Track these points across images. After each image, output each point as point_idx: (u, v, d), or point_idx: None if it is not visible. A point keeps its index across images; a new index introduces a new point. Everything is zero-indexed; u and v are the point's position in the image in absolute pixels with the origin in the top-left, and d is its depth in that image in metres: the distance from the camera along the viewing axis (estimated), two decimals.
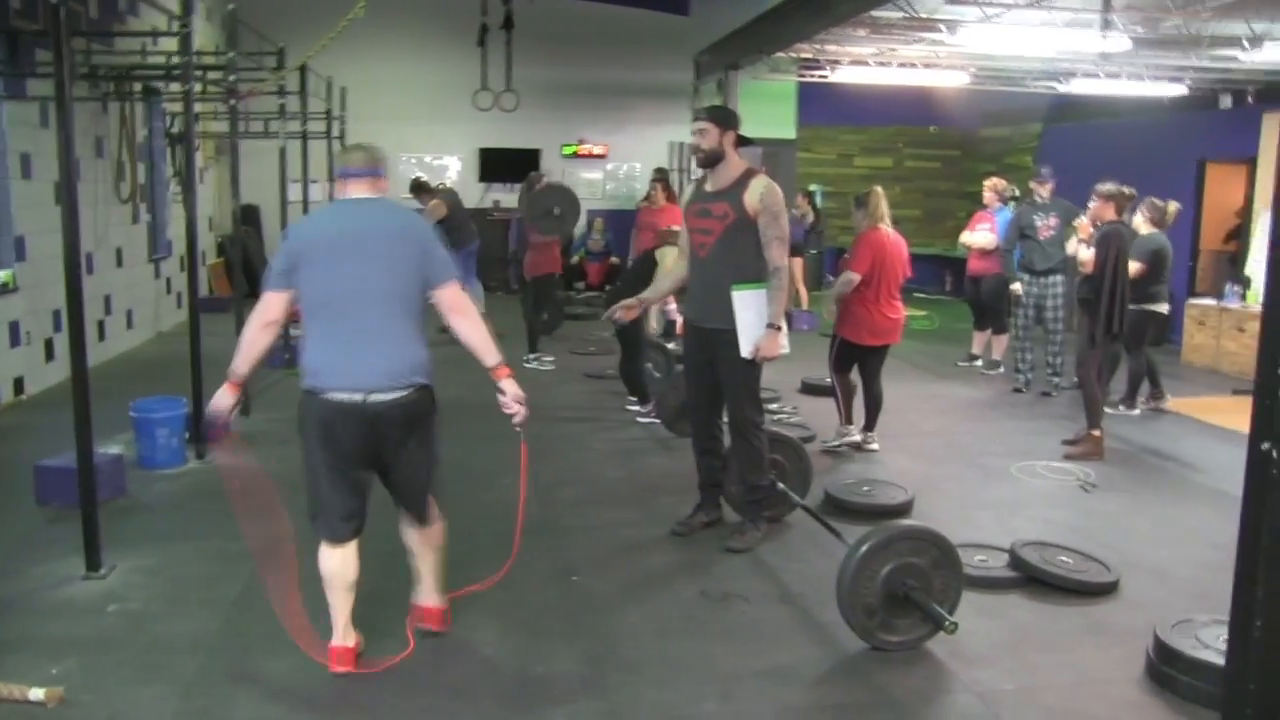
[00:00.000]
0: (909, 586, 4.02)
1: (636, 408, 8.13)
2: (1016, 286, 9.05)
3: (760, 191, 5.00)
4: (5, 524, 5.39)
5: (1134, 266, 7.46)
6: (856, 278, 6.76)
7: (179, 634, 4.14)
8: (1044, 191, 9.10)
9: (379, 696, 3.68)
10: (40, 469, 5.70)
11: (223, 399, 3.82)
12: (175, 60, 7.16)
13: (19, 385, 8.22)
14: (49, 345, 8.64)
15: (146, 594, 4.54)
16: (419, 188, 11.98)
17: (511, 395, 3.89)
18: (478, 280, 11.78)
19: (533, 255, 10.12)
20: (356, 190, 3.81)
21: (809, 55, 12.10)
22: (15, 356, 8.20)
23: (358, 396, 3.63)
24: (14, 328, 8.18)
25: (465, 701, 3.66)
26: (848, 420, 7.10)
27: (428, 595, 4.08)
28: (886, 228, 6.88)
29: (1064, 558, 4.89)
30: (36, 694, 3.55)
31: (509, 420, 3.94)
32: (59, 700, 3.56)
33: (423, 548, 4.01)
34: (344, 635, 3.88)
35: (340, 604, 3.85)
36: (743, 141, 5.19)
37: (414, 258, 3.73)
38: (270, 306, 3.75)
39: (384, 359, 3.67)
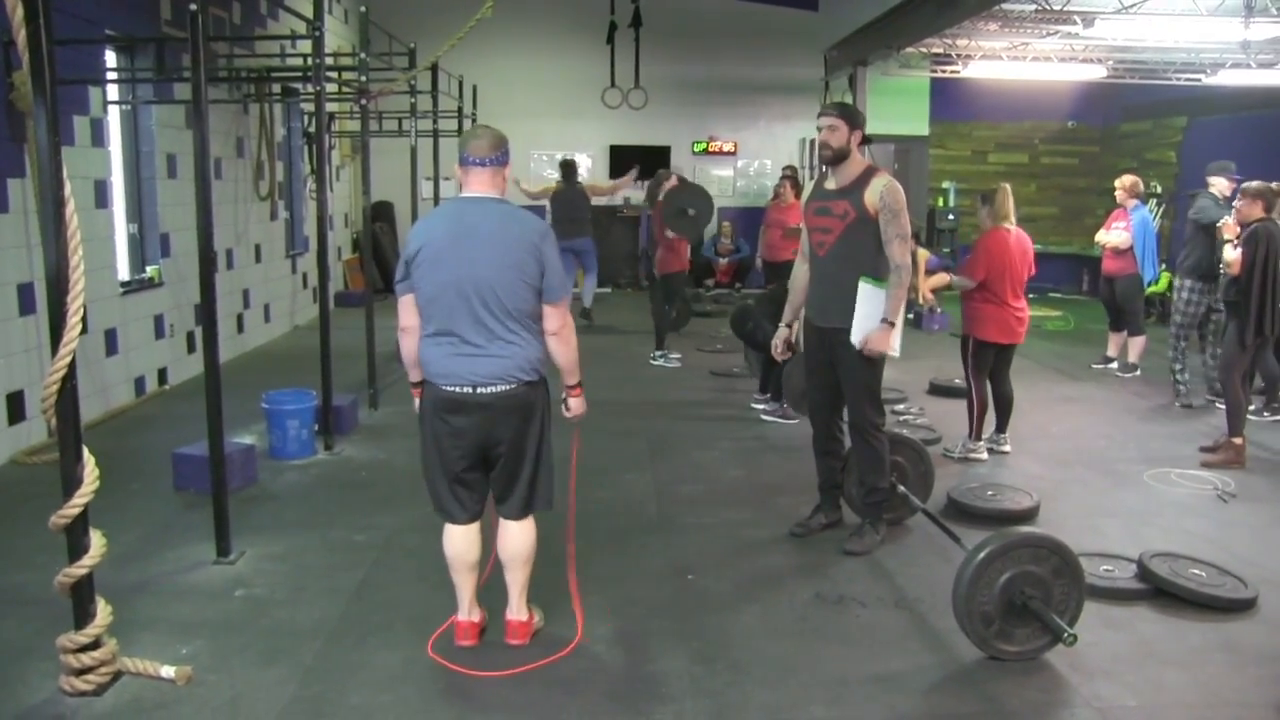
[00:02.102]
0: (1027, 595, 3.90)
1: (762, 405, 8.07)
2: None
3: (880, 190, 4.91)
4: (145, 509, 5.62)
5: None
6: (971, 284, 6.67)
7: (300, 620, 4.27)
8: (1228, 191, 8.36)
9: (489, 688, 3.74)
10: (177, 456, 5.95)
11: (416, 404, 4.05)
12: (310, 62, 7.37)
13: (163, 375, 8.58)
14: (190, 338, 9.00)
15: (271, 580, 4.68)
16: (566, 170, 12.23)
17: (574, 410, 4.14)
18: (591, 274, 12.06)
19: (663, 252, 10.16)
20: (477, 184, 3.82)
21: (940, 50, 11.90)
22: (160, 348, 8.57)
23: (466, 389, 3.76)
24: (159, 320, 8.55)
25: (574, 696, 3.69)
26: (978, 435, 6.90)
27: (514, 610, 4.10)
28: (1010, 226, 6.70)
29: (1196, 570, 4.68)
30: (167, 672, 3.69)
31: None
32: (187, 679, 3.69)
33: (513, 561, 4.03)
34: (469, 611, 4.06)
35: (464, 583, 4.03)
36: (865, 140, 5.10)
37: (527, 265, 3.75)
38: (402, 312, 3.92)
39: (492, 357, 3.76)
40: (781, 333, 5.52)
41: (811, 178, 15.21)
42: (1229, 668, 4.00)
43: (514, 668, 3.87)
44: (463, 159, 3.83)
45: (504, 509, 4.00)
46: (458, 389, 3.76)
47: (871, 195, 4.90)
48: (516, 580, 4.06)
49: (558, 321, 3.87)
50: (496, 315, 3.74)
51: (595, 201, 12.38)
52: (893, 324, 4.90)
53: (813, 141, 15.83)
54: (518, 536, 4.01)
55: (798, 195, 11.45)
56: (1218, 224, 7.87)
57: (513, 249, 3.74)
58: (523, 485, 3.95)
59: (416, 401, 4.03)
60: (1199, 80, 12.38)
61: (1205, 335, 8.45)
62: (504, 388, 3.77)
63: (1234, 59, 11.32)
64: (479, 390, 3.75)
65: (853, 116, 5.03)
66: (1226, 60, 11.52)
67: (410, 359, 3.96)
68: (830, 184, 5.08)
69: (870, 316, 4.92)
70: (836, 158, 5.00)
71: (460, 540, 3.99)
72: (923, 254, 12.67)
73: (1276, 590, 4.68)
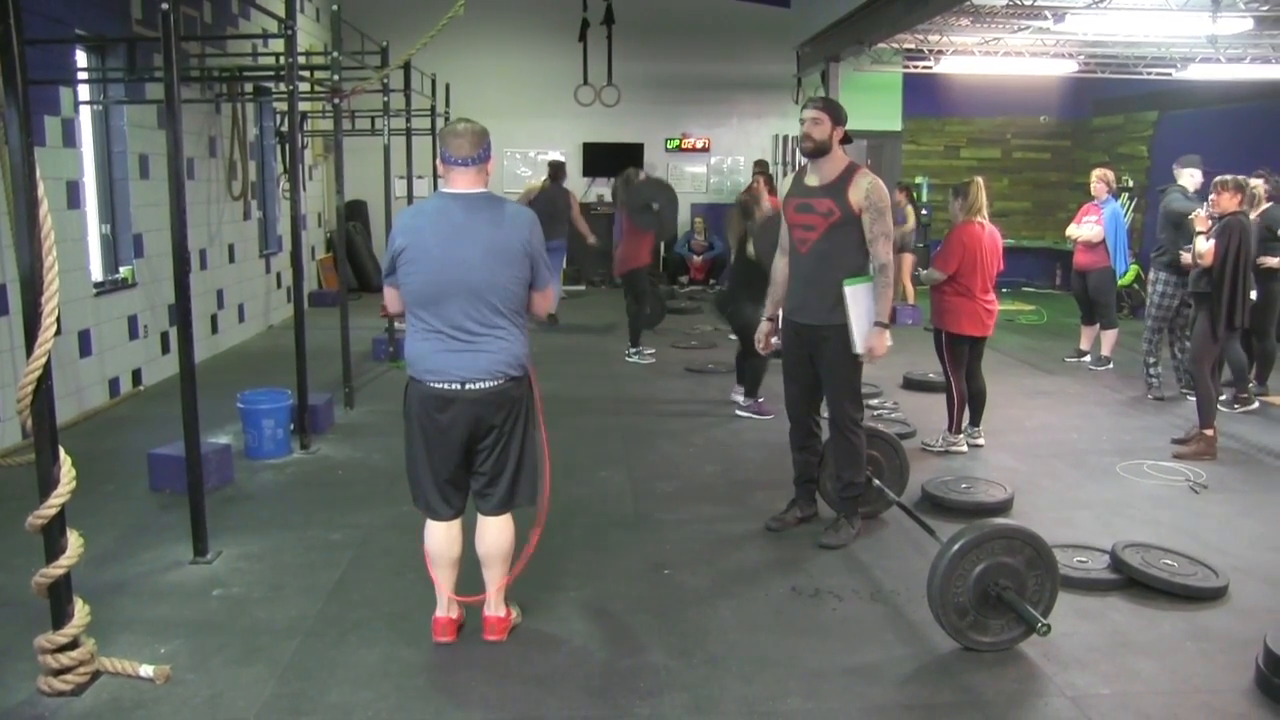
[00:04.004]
0: (1001, 586, 3.94)
1: (739, 399, 8.09)
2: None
3: (865, 188, 4.94)
4: (121, 510, 5.60)
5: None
6: (941, 277, 6.72)
7: (278, 619, 4.26)
8: (1195, 183, 8.53)
9: (468, 684, 3.75)
10: (153, 457, 5.93)
11: None
12: (282, 61, 7.35)
13: (137, 376, 8.53)
14: (164, 338, 8.96)
15: (249, 580, 4.68)
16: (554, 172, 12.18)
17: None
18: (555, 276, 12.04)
19: (622, 250, 10.15)
20: (461, 181, 3.82)
21: (912, 46, 11.95)
22: (134, 349, 8.52)
23: (455, 385, 3.78)
24: (133, 321, 8.50)
25: (552, 692, 3.70)
26: (957, 429, 6.96)
27: (492, 607, 4.11)
28: (983, 220, 6.76)
29: (1168, 560, 4.74)
30: (146, 671, 3.70)
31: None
32: (166, 678, 3.70)
33: (491, 558, 4.05)
34: (447, 608, 4.07)
35: (443, 579, 4.04)
36: (845, 139, 5.13)
37: (516, 259, 3.80)
38: (389, 298, 4.00)
39: (479, 353, 3.79)
40: (764, 327, 5.54)
41: (784, 174, 15.29)
42: (1200, 655, 4.05)
43: (492, 664, 3.88)
44: (444, 158, 3.82)
45: (484, 505, 4.01)
46: (446, 385, 3.79)
47: (856, 194, 4.92)
48: (494, 577, 4.08)
49: (545, 303, 4.03)
50: (485, 312, 3.77)
51: None
52: (886, 325, 4.96)
53: (786, 138, 15.90)
54: (497, 533, 4.02)
55: (770, 191, 11.49)
56: (1189, 216, 7.86)
57: (503, 245, 3.78)
58: (505, 481, 3.96)
59: None
60: (1169, 75, 12.48)
61: (1175, 329, 8.54)
62: (492, 384, 3.80)
63: (1203, 53, 11.41)
64: (467, 386, 3.78)
65: (836, 112, 5.06)
66: (1196, 55, 11.61)
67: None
68: (812, 180, 5.09)
69: (862, 318, 4.94)
70: (817, 151, 5.02)
71: (442, 536, 4.00)
72: (907, 260, 12.75)
73: (1247, 579, 4.75)
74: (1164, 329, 8.51)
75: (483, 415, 3.83)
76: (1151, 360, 8.55)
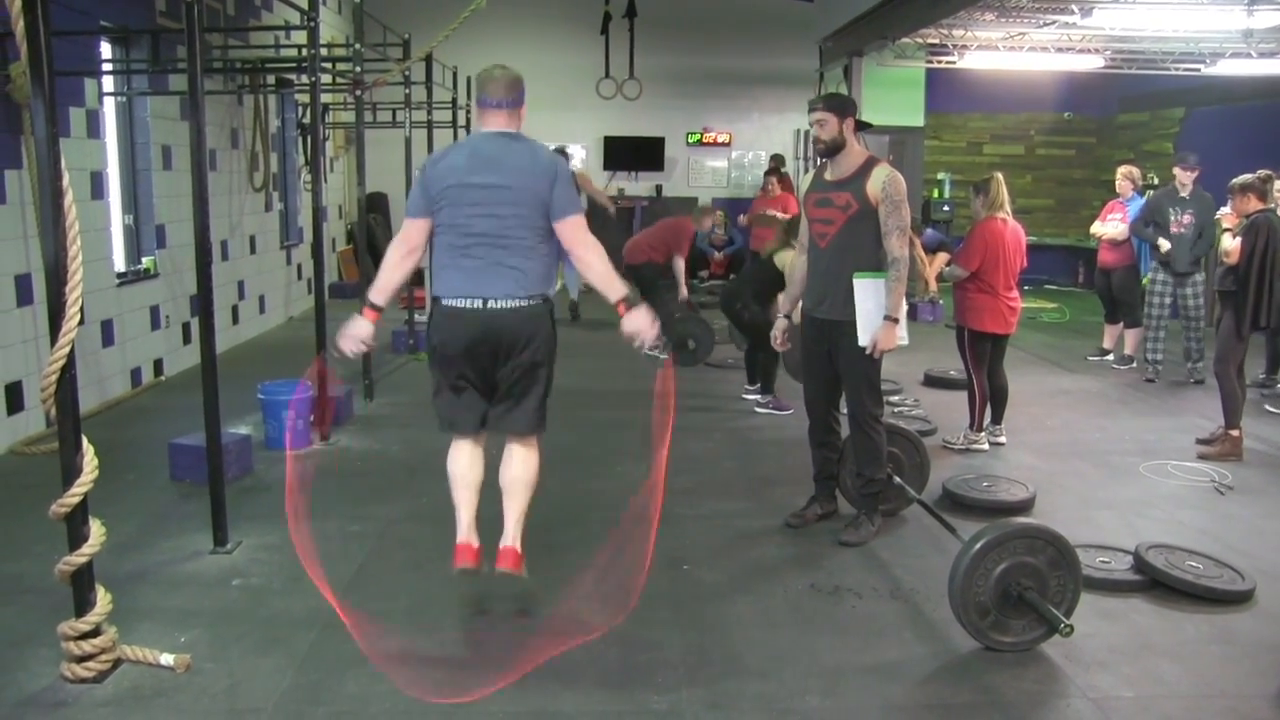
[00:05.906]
0: (1023, 586, 3.91)
1: (754, 396, 8.08)
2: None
3: (883, 180, 4.90)
4: (141, 499, 5.62)
5: None
6: (964, 274, 6.67)
7: (297, 610, 4.26)
8: (1187, 181, 8.73)
9: (484, 679, 3.73)
10: (173, 447, 5.95)
11: (360, 325, 4.08)
12: (305, 53, 7.36)
13: (158, 366, 8.57)
14: (186, 329, 8.99)
15: (268, 570, 4.69)
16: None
17: (627, 330, 4.05)
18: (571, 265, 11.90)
19: (642, 239, 10.05)
20: (494, 123, 3.96)
21: (936, 41, 11.89)
22: (156, 339, 8.56)
23: (477, 303, 3.88)
24: (155, 312, 8.54)
25: (568, 687, 3.69)
26: (979, 427, 6.91)
27: (510, 537, 4.11)
28: (1005, 216, 6.71)
29: (1193, 562, 4.69)
30: (167, 659, 3.72)
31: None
32: (186, 667, 3.72)
33: (515, 484, 4.09)
34: (468, 533, 4.10)
35: (465, 502, 4.11)
36: (861, 126, 5.09)
37: (541, 190, 3.88)
38: (410, 233, 4.03)
39: (505, 274, 3.88)
40: (781, 324, 5.52)
41: (807, 169, 15.24)
42: (1225, 659, 4.01)
43: (511, 658, 3.87)
44: (480, 100, 3.99)
45: (511, 423, 4.05)
46: (468, 303, 3.87)
47: (873, 186, 4.89)
48: (515, 506, 4.11)
49: (573, 231, 3.96)
50: (517, 236, 3.87)
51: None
52: (896, 319, 4.91)
53: (807, 133, 15.82)
54: (521, 462, 4.09)
55: (784, 187, 11.51)
56: (1169, 217, 8.66)
57: (532, 176, 3.87)
58: (533, 399, 4.02)
59: (364, 321, 4.07)
60: (1198, 70, 12.37)
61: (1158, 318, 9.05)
62: (514, 303, 3.88)
63: (1234, 48, 11.30)
64: (489, 304, 3.87)
65: (840, 106, 5.00)
66: (1226, 50, 11.50)
67: (392, 284, 4.07)
68: (831, 175, 5.06)
69: (872, 314, 4.91)
70: (831, 149, 4.98)
71: (465, 457, 4.08)
72: (941, 259, 12.67)
73: (1273, 582, 4.70)
74: (1156, 319, 9.05)
75: (504, 333, 3.89)
76: (1169, 348, 9.04)
